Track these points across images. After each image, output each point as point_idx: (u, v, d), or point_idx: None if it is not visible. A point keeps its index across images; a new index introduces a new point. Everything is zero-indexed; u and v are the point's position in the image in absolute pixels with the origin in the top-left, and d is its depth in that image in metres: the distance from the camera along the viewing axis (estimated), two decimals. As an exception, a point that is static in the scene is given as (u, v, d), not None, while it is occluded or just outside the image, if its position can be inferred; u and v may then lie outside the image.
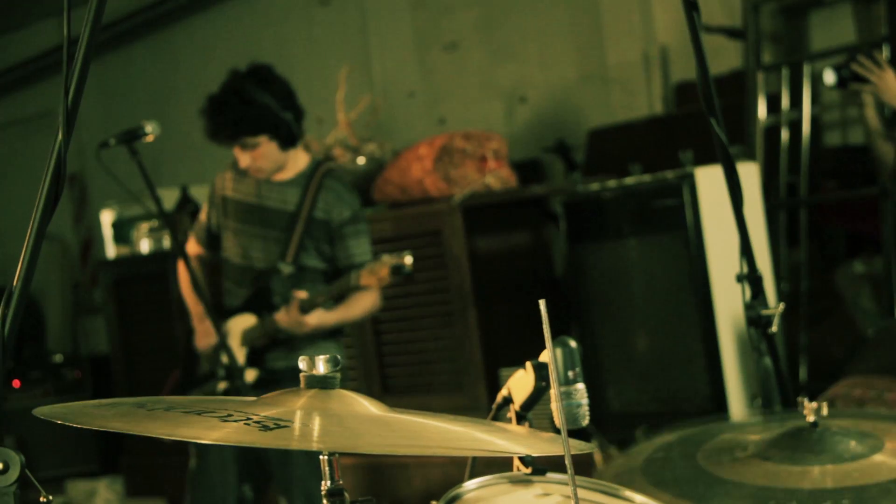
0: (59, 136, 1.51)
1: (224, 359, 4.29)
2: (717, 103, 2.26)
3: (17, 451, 1.44)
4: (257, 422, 1.53)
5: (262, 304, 4.37)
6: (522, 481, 1.89)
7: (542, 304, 1.72)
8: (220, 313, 4.42)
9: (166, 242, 6.67)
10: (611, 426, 4.94)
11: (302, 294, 4.21)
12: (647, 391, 4.96)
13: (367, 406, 1.63)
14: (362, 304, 4.32)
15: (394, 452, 1.53)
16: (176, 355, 6.71)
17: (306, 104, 4.27)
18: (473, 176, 5.65)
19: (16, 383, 7.45)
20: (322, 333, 4.34)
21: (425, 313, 5.74)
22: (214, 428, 1.51)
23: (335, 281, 4.26)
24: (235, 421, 1.53)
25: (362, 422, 1.58)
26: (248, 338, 4.37)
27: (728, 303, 4.69)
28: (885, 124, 4.73)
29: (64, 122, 1.51)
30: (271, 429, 1.50)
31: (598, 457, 4.69)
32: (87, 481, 7.18)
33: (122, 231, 6.99)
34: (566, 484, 1.88)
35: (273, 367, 4.35)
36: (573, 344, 1.97)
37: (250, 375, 4.34)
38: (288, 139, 4.30)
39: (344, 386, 1.68)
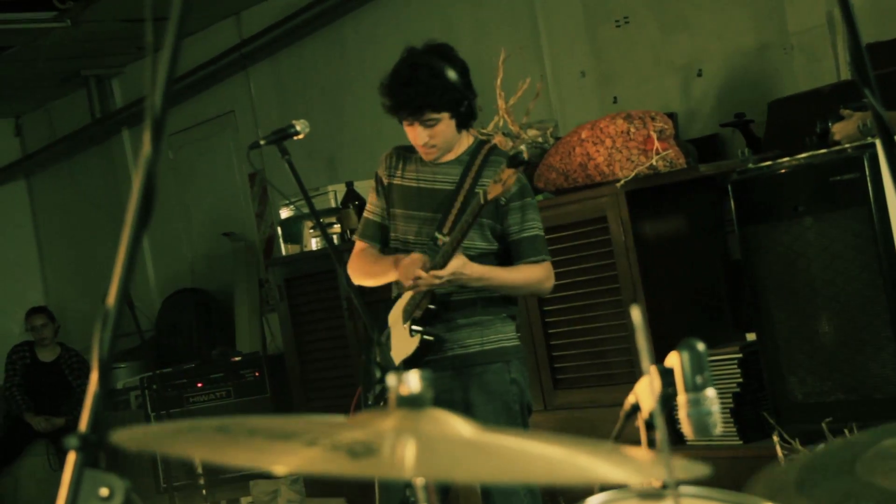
0: (148, 151, 1.43)
1: (378, 357, 4.16)
2: (872, 72, 2.03)
3: (122, 477, 1.35)
4: (344, 446, 1.42)
5: None
6: (653, 495, 1.78)
7: (634, 311, 1.65)
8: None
9: (335, 239, 6.62)
10: (793, 418, 4.68)
11: (444, 238, 4.05)
12: (831, 380, 4.65)
13: (460, 428, 1.53)
14: (528, 273, 4.11)
15: (491, 481, 1.45)
16: (345, 353, 6.69)
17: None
18: (638, 158, 5.39)
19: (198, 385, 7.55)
20: (484, 305, 4.15)
21: (593, 303, 5.51)
22: (295, 454, 1.42)
23: (464, 216, 4.01)
24: (317, 447, 1.43)
25: (457, 446, 1.49)
26: (406, 312, 4.21)
27: (919, 282, 4.37)
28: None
29: (152, 136, 1.43)
30: (358, 455, 1.41)
31: (780, 452, 4.44)
32: (271, 481, 7.22)
33: (292, 229, 6.97)
34: (704, 497, 1.79)
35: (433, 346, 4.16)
36: (700, 347, 1.87)
37: (411, 345, 4.15)
38: (465, 120, 4.16)
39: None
